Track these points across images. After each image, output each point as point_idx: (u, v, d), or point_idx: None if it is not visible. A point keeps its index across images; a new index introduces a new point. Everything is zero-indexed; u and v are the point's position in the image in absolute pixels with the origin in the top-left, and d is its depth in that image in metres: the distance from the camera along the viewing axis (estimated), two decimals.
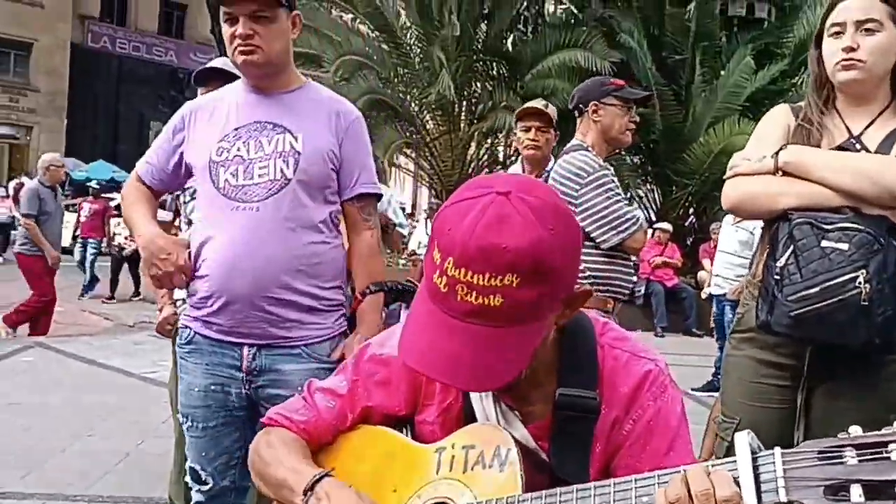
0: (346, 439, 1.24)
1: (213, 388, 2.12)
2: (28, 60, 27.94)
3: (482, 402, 1.15)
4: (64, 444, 4.18)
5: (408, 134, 12.65)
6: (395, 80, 12.69)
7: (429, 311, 1.00)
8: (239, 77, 2.44)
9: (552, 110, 3.73)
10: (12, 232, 14.63)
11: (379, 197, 2.29)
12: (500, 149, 13.18)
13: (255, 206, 2.07)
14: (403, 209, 16.03)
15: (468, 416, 1.16)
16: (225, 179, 2.09)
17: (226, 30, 2.11)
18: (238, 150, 2.11)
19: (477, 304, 0.95)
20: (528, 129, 3.67)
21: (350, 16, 13.13)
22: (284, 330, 2.10)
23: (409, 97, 12.86)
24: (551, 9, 14.30)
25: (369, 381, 1.24)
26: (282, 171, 2.08)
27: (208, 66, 2.80)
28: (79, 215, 12.52)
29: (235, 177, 2.08)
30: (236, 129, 2.13)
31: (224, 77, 2.71)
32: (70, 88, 28.39)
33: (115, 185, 21.02)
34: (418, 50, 12.75)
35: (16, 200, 16.78)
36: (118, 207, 13.94)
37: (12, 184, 19.06)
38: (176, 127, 2.21)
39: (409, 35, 12.86)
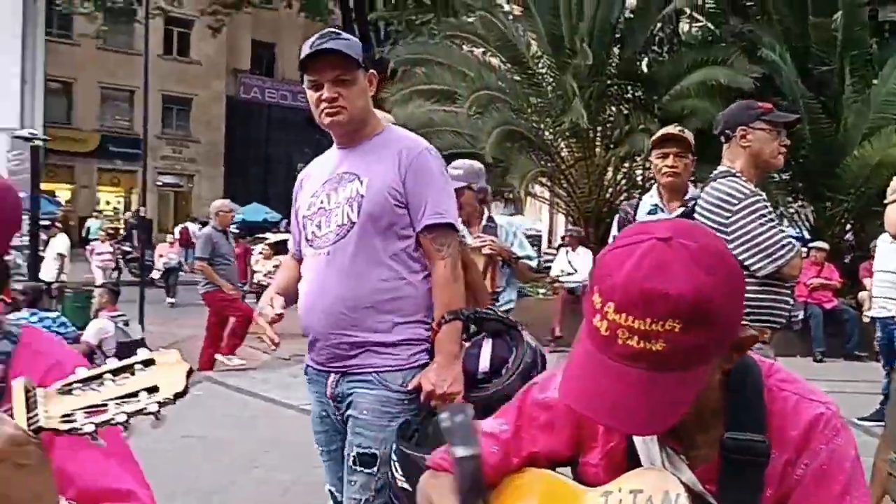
0: (510, 481, 1.26)
1: (322, 413, 2.38)
2: (189, 114, 30.21)
3: (647, 445, 1.16)
4: (233, 477, 4.44)
5: (543, 163, 12.66)
6: (529, 110, 12.77)
7: (588, 354, 1.02)
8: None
9: (689, 135, 3.67)
10: (180, 273, 15.75)
11: (451, 226, 2.33)
12: (639, 172, 12.94)
13: (327, 250, 2.30)
14: (539, 237, 15.98)
15: (632, 459, 1.17)
16: (311, 231, 2.35)
17: (311, 95, 2.32)
18: (321, 202, 2.36)
19: (639, 348, 0.97)
20: (664, 156, 3.61)
21: (481, 49, 13.37)
22: (358, 359, 2.29)
23: (542, 126, 12.89)
24: (686, 27, 13.97)
25: (533, 426, 1.26)
26: (348, 215, 2.28)
27: None
28: None
29: (319, 227, 2.33)
30: (323, 184, 2.37)
31: None
32: (226, 137, 30.44)
33: (268, 226, 22.26)
34: (550, 79, 12.78)
35: (182, 244, 18.12)
36: (274, 245, 14.77)
37: (178, 229, 20.55)
38: (293, 197, 2.50)
39: (540, 65, 12.93)
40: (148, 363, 1.05)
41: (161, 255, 16.12)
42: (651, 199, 3.77)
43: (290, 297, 2.44)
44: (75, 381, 1.05)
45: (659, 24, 13.07)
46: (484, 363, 2.29)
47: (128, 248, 18.32)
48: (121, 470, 1.23)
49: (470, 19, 13.50)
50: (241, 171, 30.23)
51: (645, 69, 13.17)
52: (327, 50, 2.26)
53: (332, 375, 2.33)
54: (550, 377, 1.28)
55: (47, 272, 11.37)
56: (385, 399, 2.25)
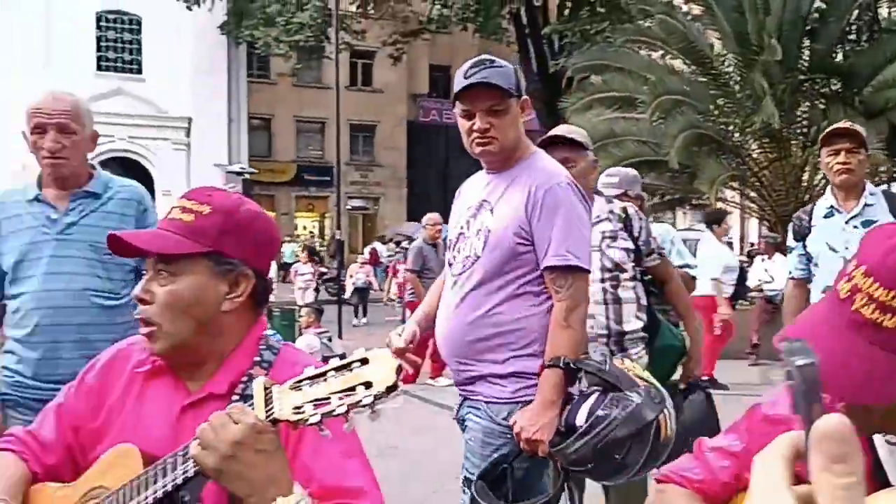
0: (742, 498, 1.24)
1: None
2: (373, 140, 31.72)
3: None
4: (434, 487, 4.59)
5: (733, 166, 12.09)
6: (715, 111, 12.27)
7: (815, 316, 1.03)
8: (580, 143, 2.66)
9: (860, 129, 3.43)
10: (370, 292, 16.51)
11: (572, 268, 2.24)
12: None
13: (454, 279, 2.37)
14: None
15: (877, 479, 1.12)
16: (452, 255, 2.42)
17: (462, 123, 2.31)
18: (461, 227, 2.41)
19: (870, 318, 0.95)
20: (835, 153, 3.36)
21: (660, 52, 13.02)
22: (474, 385, 2.34)
23: (731, 127, 12.33)
24: (885, 12, 12.87)
25: (763, 442, 1.24)
26: (475, 248, 2.32)
27: (549, 134, 3.00)
28: (393, 277, 13.79)
29: (458, 252, 2.39)
30: (468, 208, 2.41)
31: (565, 143, 2.89)
32: (408, 160, 31.67)
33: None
34: (737, 78, 12.22)
35: (371, 264, 19.01)
36: None
37: (367, 249, 21.56)
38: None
39: (725, 63, 12.39)
40: (363, 361, 1.17)
41: (351, 276, 16.95)
42: (825, 201, 3.50)
43: (432, 318, 2.53)
44: (304, 379, 1.19)
45: (855, 12, 12.14)
46: (581, 417, 2.18)
47: (323, 269, 19.47)
48: (356, 470, 1.34)
49: (647, 23, 13.21)
50: (423, 192, 31.26)
51: (842, 60, 12.27)
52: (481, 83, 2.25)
53: (460, 398, 2.44)
54: (780, 393, 1.25)
55: None
56: (489, 430, 2.29)
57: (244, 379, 1.39)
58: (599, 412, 2.14)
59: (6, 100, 18.73)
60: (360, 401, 1.13)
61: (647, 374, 2.37)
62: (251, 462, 1.16)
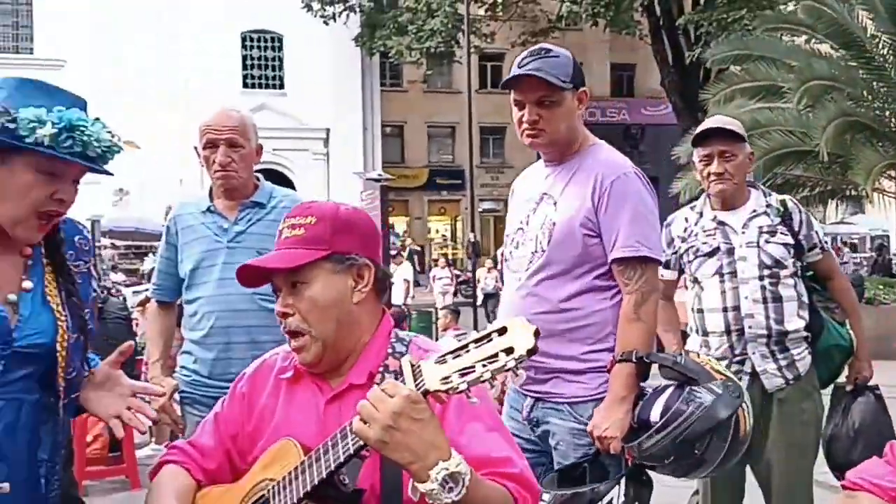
0: None
1: (514, 432, 2.35)
2: (503, 142, 31.80)
3: None
4: None
5: (890, 153, 11.28)
6: (869, 97, 11.50)
7: None
8: (738, 134, 2.58)
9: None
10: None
11: (641, 259, 2.19)
12: None
13: (518, 275, 2.30)
14: (886, 236, 14.12)
15: None
16: (510, 251, 2.37)
17: (514, 112, 2.29)
18: (521, 222, 2.37)
19: None
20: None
21: (804, 37, 12.35)
22: (549, 385, 2.24)
23: (888, 113, 11.52)
24: None
25: None
26: (540, 242, 2.26)
27: (703, 127, 2.91)
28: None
29: (516, 248, 2.34)
30: (526, 201, 2.37)
31: (721, 135, 2.80)
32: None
33: None
34: (893, 59, 11.40)
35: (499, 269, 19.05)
36: None
37: (498, 252, 21.61)
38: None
39: (879, 45, 11.59)
40: (501, 331, 1.24)
41: (479, 281, 16.97)
42: None
43: None
44: (447, 353, 1.27)
45: None
46: (655, 413, 2.11)
47: (458, 272, 19.72)
48: (499, 441, 1.43)
49: (790, 7, 12.56)
50: None
51: None
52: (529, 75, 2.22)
53: (528, 399, 2.33)
54: None
55: (396, 296, 12.71)
56: (577, 431, 2.22)
57: (381, 369, 1.51)
58: (676, 407, 2.09)
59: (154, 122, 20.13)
60: (504, 365, 1.20)
61: (722, 367, 2.29)
62: (410, 430, 1.24)
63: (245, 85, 25.48)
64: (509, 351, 1.20)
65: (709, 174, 2.81)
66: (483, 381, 1.22)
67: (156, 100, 22.52)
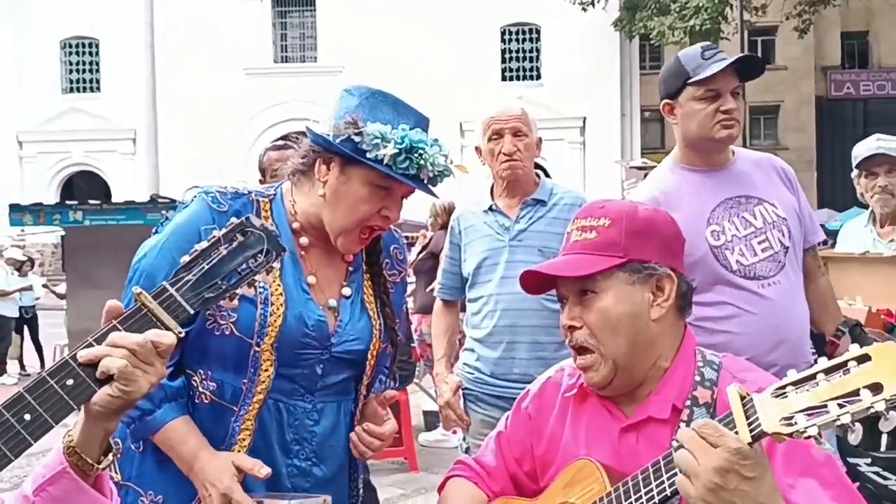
0: None
1: None
2: (776, 121, 29.54)
3: None
4: None
5: None
6: None
7: None
8: None
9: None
10: None
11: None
12: None
13: (769, 280, 2.19)
14: None
15: None
16: (735, 260, 2.20)
17: (698, 106, 2.21)
18: (726, 229, 2.23)
19: None
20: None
21: None
22: None
23: None
24: None
25: None
26: (780, 241, 2.21)
27: None
28: None
29: (744, 256, 2.20)
30: (713, 211, 2.22)
31: None
32: (817, 141, 28.88)
33: None
34: None
35: None
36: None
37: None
38: None
39: None
40: (863, 358, 0.99)
41: None
42: None
43: None
44: (788, 384, 1.05)
45: None
46: None
47: None
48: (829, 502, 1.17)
49: None
50: (835, 175, 28.19)
51: None
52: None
53: None
54: None
55: None
56: None
57: (688, 402, 1.33)
58: None
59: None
60: (870, 407, 0.96)
61: None
62: (741, 490, 1.05)
63: (503, 78, 26.01)
64: (876, 388, 0.96)
65: None
66: (841, 427, 0.98)
67: (420, 96, 23.75)
